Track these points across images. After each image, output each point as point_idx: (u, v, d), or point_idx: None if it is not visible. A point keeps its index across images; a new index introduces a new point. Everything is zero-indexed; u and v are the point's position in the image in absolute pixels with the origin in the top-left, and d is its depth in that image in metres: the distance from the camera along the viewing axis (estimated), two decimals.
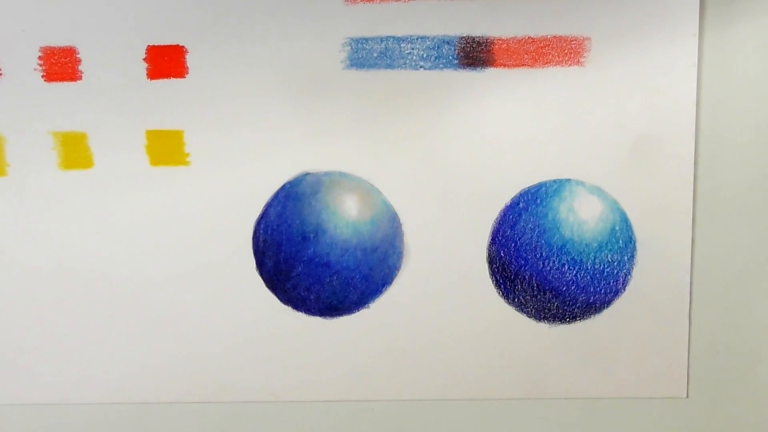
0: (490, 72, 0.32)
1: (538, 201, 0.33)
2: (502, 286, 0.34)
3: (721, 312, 0.34)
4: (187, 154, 0.33)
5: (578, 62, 0.32)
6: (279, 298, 0.34)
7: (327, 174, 0.33)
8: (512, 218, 0.33)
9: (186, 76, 0.33)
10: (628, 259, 0.33)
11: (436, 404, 0.35)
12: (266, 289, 0.34)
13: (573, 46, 0.32)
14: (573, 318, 0.34)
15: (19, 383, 0.35)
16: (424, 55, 0.32)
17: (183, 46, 0.32)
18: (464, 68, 0.32)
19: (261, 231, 0.33)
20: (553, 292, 0.33)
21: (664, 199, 0.33)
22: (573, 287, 0.33)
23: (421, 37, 0.32)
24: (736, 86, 0.32)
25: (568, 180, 0.33)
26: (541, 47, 0.32)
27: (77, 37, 0.32)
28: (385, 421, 0.35)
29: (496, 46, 0.32)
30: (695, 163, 0.33)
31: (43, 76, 0.33)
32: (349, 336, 0.34)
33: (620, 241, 0.33)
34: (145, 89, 0.33)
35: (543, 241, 0.33)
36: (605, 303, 0.34)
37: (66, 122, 0.33)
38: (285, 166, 0.33)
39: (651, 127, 0.32)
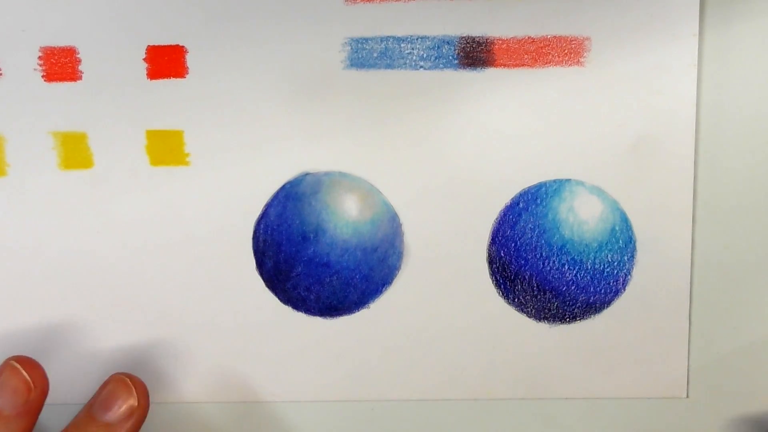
0: (490, 72, 0.32)
1: (538, 201, 0.33)
2: (502, 286, 0.34)
3: (721, 312, 0.34)
4: (187, 154, 0.33)
5: (578, 62, 0.32)
6: (279, 298, 0.34)
7: (327, 174, 0.33)
8: (512, 218, 0.33)
9: (186, 76, 0.33)
10: (628, 259, 0.33)
11: (436, 404, 0.35)
12: (266, 289, 0.34)
13: (573, 46, 0.32)
14: (573, 318, 0.34)
15: None
16: (424, 55, 0.32)
17: (183, 46, 0.32)
18: (464, 68, 0.32)
19: (261, 231, 0.33)
20: (553, 292, 0.33)
21: (664, 199, 0.33)
22: (573, 287, 0.33)
23: (421, 37, 0.32)
24: (736, 86, 0.32)
25: (568, 180, 0.33)
26: (541, 47, 0.32)
27: (77, 37, 0.32)
28: (385, 421, 0.35)
29: (496, 46, 0.32)
30: (695, 163, 0.33)
31: (43, 76, 0.33)
32: (349, 336, 0.34)
33: (620, 241, 0.33)
34: (145, 89, 0.33)
35: (543, 241, 0.33)
36: (605, 303, 0.34)
37: (66, 122, 0.33)
38: (285, 166, 0.33)
39: (651, 127, 0.32)
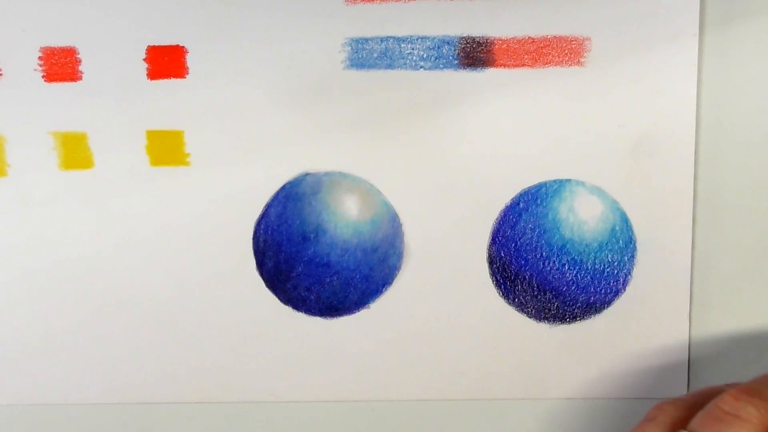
0: (490, 72, 0.32)
1: (539, 201, 0.33)
2: (503, 286, 0.34)
3: (721, 312, 0.34)
4: (188, 154, 0.33)
5: (578, 62, 0.32)
6: (279, 299, 0.34)
7: (327, 174, 0.33)
8: (512, 218, 0.33)
9: (186, 76, 0.33)
10: (628, 259, 0.33)
11: (436, 404, 0.35)
12: (266, 289, 0.34)
13: (573, 46, 0.32)
14: (573, 318, 0.34)
15: (19, 383, 0.35)
16: (424, 56, 0.32)
17: (183, 46, 0.32)
18: (464, 68, 0.32)
19: (261, 231, 0.33)
20: (554, 293, 0.33)
21: (664, 199, 0.33)
22: (573, 287, 0.33)
23: (421, 37, 0.32)
24: (737, 86, 0.32)
25: (568, 180, 0.33)
26: (541, 47, 0.32)
27: (77, 37, 0.32)
28: (385, 421, 0.35)
29: (496, 46, 0.32)
30: (695, 163, 0.33)
31: (43, 76, 0.33)
32: (349, 336, 0.34)
33: (620, 242, 0.33)
34: (145, 89, 0.33)
35: (543, 242, 0.33)
36: (605, 303, 0.34)
37: (66, 122, 0.33)
38: (285, 166, 0.33)
39: (651, 127, 0.32)
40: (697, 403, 0.28)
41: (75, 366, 0.35)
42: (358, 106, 0.32)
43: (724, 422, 0.25)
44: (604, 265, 0.33)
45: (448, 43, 0.32)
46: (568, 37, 0.32)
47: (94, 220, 0.34)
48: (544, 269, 0.33)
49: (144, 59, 0.32)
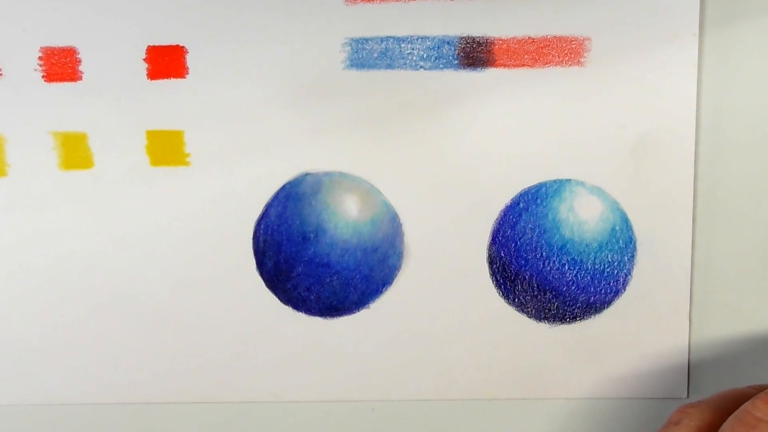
0: (490, 72, 0.32)
1: (539, 201, 0.33)
2: (503, 286, 0.34)
3: (721, 312, 0.34)
4: (188, 155, 0.33)
5: (578, 62, 0.32)
6: (279, 299, 0.34)
7: (327, 174, 0.33)
8: (512, 218, 0.33)
9: (186, 76, 0.33)
10: (628, 259, 0.33)
11: (436, 404, 0.35)
12: (266, 289, 0.34)
13: (573, 46, 0.32)
14: (573, 318, 0.34)
15: (19, 383, 0.35)
16: (424, 56, 0.32)
17: (183, 46, 0.32)
18: (464, 68, 0.32)
19: (261, 231, 0.33)
20: (554, 293, 0.33)
21: (664, 199, 0.33)
22: (573, 287, 0.33)
23: (421, 38, 0.32)
24: (737, 86, 0.32)
25: (569, 180, 0.33)
26: (541, 47, 0.32)
27: (77, 37, 0.32)
28: (385, 421, 0.35)
29: (496, 46, 0.32)
30: (695, 163, 0.33)
31: (43, 77, 0.33)
32: (349, 336, 0.34)
33: (620, 241, 0.33)
34: (145, 89, 0.33)
35: (543, 242, 0.33)
36: (605, 303, 0.34)
37: (66, 122, 0.33)
38: (285, 166, 0.33)
39: (651, 127, 0.32)
40: (722, 406, 0.27)
41: (75, 366, 0.35)
42: (357, 106, 0.32)
43: (757, 429, 0.24)
44: (604, 265, 0.33)
45: (448, 43, 0.32)
46: (568, 37, 0.32)
47: (93, 219, 0.34)
48: (544, 269, 0.33)
49: (144, 59, 0.32)
